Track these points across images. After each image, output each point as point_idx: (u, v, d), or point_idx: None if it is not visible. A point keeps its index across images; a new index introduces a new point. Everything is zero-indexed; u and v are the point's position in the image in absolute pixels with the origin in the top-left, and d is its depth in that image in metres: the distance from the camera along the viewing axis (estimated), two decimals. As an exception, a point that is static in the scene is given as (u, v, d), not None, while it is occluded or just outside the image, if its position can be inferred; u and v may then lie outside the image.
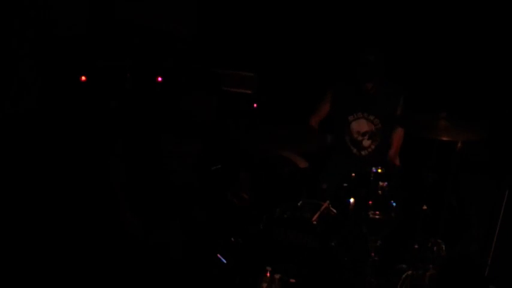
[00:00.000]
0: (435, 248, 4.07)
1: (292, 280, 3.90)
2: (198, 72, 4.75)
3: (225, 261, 4.29)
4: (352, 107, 4.86)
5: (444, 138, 4.04)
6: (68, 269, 4.30)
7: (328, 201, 4.25)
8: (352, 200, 4.15)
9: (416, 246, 4.13)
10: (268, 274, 3.84)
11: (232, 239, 4.41)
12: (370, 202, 4.09)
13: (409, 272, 4.00)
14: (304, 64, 5.93)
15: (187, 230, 4.62)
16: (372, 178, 4.12)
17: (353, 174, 4.24)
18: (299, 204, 4.34)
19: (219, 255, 4.34)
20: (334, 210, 4.28)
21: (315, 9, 5.93)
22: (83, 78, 5.57)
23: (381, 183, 4.10)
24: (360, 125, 4.85)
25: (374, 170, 4.13)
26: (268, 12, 6.04)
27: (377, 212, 4.08)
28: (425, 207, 4.17)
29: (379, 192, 4.09)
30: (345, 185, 4.28)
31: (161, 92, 5.76)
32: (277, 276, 3.85)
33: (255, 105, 5.60)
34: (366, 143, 4.86)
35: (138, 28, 5.91)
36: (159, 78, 5.77)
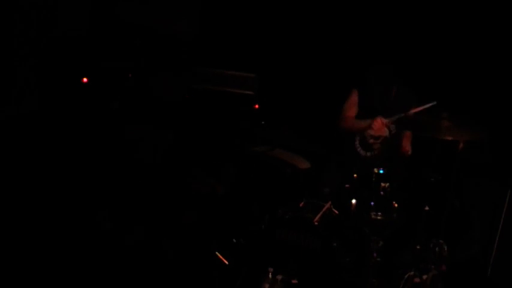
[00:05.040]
0: (437, 249, 4.06)
1: (294, 281, 3.90)
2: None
3: (227, 262, 4.30)
4: (374, 111, 4.69)
5: (448, 138, 4.04)
6: (68, 269, 4.29)
7: (330, 202, 4.25)
8: (354, 200, 4.15)
9: (418, 247, 4.12)
10: (270, 275, 3.84)
11: (234, 239, 4.42)
12: (372, 203, 4.09)
13: (411, 273, 3.99)
14: (305, 65, 5.92)
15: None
16: (373, 179, 4.12)
17: (355, 175, 4.24)
18: (301, 204, 4.34)
19: (219, 255, 4.35)
20: (336, 211, 4.28)
21: (316, 10, 5.93)
22: (85, 79, 5.56)
23: (382, 184, 4.10)
24: (378, 130, 4.69)
25: (376, 171, 4.13)
26: (269, 13, 6.04)
27: (379, 213, 4.08)
28: (427, 208, 4.17)
29: (381, 193, 4.09)
30: (347, 186, 4.28)
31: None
32: (279, 277, 3.85)
33: (256, 106, 5.59)
34: (376, 146, 4.74)
35: (140, 29, 5.91)
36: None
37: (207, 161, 5.40)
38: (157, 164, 5.48)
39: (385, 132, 4.67)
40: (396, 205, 4.09)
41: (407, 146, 4.73)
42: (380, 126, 4.58)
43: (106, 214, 4.91)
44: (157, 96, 5.71)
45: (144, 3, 6.03)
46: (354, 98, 4.86)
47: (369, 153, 4.72)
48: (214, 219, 5.04)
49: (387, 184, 4.09)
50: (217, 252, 4.37)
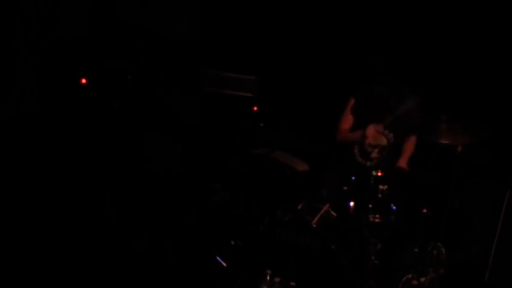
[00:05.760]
0: (435, 252, 4.06)
1: (292, 283, 3.91)
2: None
3: (225, 265, 4.30)
4: (372, 119, 4.73)
5: (445, 142, 4.04)
6: (69, 268, 4.30)
7: (328, 205, 4.25)
8: (352, 203, 4.15)
9: (416, 250, 4.11)
10: (268, 277, 3.85)
11: (232, 242, 4.42)
12: (370, 205, 4.09)
13: (409, 276, 4.00)
14: (304, 67, 5.92)
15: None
16: (372, 182, 4.12)
17: (353, 178, 4.24)
18: (299, 207, 4.34)
19: (218, 258, 4.35)
20: (334, 214, 4.28)
21: (315, 13, 5.92)
22: (83, 81, 5.56)
23: (381, 187, 4.10)
24: (375, 138, 4.72)
25: (374, 173, 4.12)
26: (268, 16, 6.03)
27: (377, 216, 4.08)
28: (425, 210, 4.17)
29: (379, 195, 4.09)
30: (345, 188, 4.28)
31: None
32: (277, 279, 3.85)
33: (255, 108, 5.60)
34: (375, 155, 4.73)
35: (140, 29, 5.91)
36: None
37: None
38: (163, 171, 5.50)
39: (383, 141, 4.67)
40: (394, 208, 4.09)
41: (403, 163, 4.72)
42: (373, 133, 4.59)
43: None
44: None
45: (144, 3, 6.02)
46: (351, 108, 4.86)
47: (368, 163, 4.71)
48: (213, 220, 5.05)
49: (385, 187, 4.10)
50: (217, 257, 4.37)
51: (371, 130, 4.62)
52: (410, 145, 4.81)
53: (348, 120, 4.84)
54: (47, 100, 5.75)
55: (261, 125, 5.24)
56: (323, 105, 5.66)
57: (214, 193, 5.14)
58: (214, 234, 4.82)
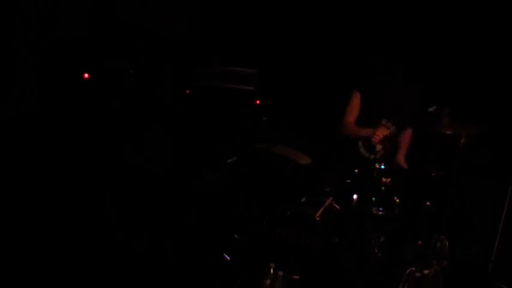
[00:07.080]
0: (438, 244, 4.05)
1: (296, 277, 3.89)
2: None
3: (228, 258, 4.29)
4: (377, 113, 4.72)
5: (448, 132, 4.05)
6: (69, 268, 4.27)
7: (331, 198, 4.24)
8: (355, 196, 4.14)
9: (419, 242, 4.11)
10: (271, 271, 3.83)
11: (236, 235, 4.41)
12: (373, 198, 4.09)
13: (412, 268, 3.99)
14: (306, 61, 5.94)
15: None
16: (375, 174, 4.12)
17: (356, 170, 4.24)
18: (302, 200, 4.33)
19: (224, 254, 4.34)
20: (338, 207, 4.27)
21: (316, 7, 5.94)
22: (86, 75, 5.57)
23: (384, 180, 4.10)
24: (379, 131, 4.66)
25: (377, 166, 4.12)
26: (270, 9, 6.05)
27: (380, 209, 4.08)
28: (428, 203, 4.16)
29: (383, 188, 4.09)
30: (348, 181, 4.28)
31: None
32: (280, 272, 3.83)
33: (257, 102, 5.60)
34: (378, 147, 4.68)
35: (140, 29, 5.93)
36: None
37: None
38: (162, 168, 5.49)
39: (385, 131, 4.67)
40: (398, 200, 4.09)
41: (402, 160, 4.74)
42: (381, 137, 4.60)
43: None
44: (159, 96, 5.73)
45: (144, 3, 6.05)
46: (355, 101, 4.81)
47: (372, 156, 4.70)
48: (214, 218, 5.04)
49: (388, 180, 4.09)
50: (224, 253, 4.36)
51: (379, 135, 4.62)
52: (406, 140, 4.82)
53: (352, 114, 4.80)
54: (47, 100, 5.76)
55: (264, 118, 5.24)
56: (323, 104, 5.66)
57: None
58: (214, 234, 4.80)
